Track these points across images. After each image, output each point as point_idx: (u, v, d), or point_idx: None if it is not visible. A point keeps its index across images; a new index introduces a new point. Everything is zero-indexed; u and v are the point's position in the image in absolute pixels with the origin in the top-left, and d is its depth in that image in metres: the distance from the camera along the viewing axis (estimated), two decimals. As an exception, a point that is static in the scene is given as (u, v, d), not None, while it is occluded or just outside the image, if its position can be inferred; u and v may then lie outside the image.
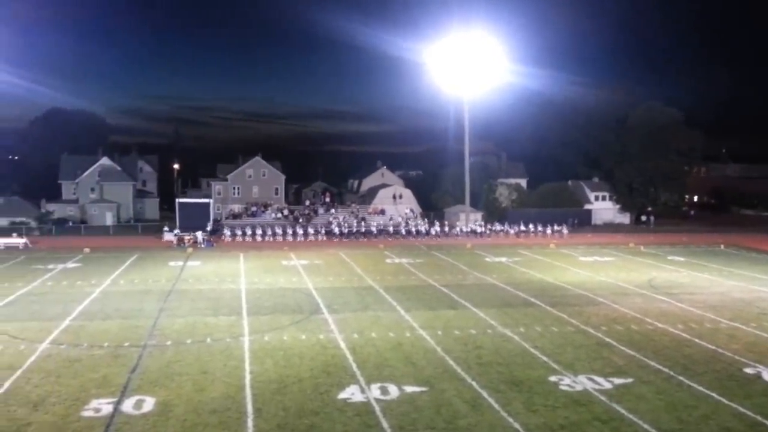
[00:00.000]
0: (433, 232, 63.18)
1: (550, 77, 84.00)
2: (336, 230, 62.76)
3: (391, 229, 63.47)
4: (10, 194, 76.27)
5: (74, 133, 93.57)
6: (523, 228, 64.80)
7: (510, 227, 65.41)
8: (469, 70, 60.72)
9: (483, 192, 74.80)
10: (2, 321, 26.36)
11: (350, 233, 62.51)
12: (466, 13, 70.63)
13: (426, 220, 67.68)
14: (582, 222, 72.98)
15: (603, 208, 79.36)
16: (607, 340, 24.20)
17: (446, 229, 64.16)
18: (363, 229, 63.80)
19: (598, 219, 77.46)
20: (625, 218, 79.62)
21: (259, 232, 60.32)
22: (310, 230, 61.84)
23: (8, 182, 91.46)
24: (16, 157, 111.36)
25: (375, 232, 62.83)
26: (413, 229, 63.50)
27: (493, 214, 71.99)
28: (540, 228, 64.73)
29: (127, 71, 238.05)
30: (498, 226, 65.77)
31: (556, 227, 64.73)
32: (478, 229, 64.18)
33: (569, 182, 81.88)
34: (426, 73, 63.70)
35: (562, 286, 36.07)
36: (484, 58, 59.65)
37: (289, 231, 61.25)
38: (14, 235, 55.85)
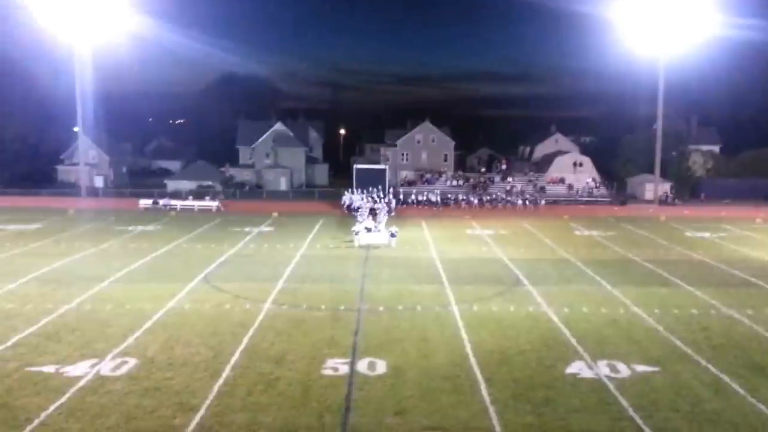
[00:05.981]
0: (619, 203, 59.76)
1: (753, 26, 71.93)
2: (519, 201, 60.66)
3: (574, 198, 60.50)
4: (195, 158, 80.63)
5: (246, 98, 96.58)
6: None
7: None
8: (664, 23, 53.81)
9: (673, 160, 68.91)
10: (222, 281, 27.85)
11: (532, 202, 60.44)
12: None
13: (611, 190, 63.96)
14: None
15: None
16: None
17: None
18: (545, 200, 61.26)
19: None
20: None
21: (436, 199, 60.45)
22: (488, 198, 60.90)
23: (188, 146, 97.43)
24: (190, 121, 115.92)
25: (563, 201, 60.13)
26: (598, 200, 60.37)
27: (685, 184, 66.27)
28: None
29: (287, 34, 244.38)
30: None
31: None
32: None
33: None
34: (604, 30, 58.20)
35: (784, 265, 32.39)
36: (680, 8, 52.73)
37: (464, 198, 60.87)
38: (207, 198, 58.76)
